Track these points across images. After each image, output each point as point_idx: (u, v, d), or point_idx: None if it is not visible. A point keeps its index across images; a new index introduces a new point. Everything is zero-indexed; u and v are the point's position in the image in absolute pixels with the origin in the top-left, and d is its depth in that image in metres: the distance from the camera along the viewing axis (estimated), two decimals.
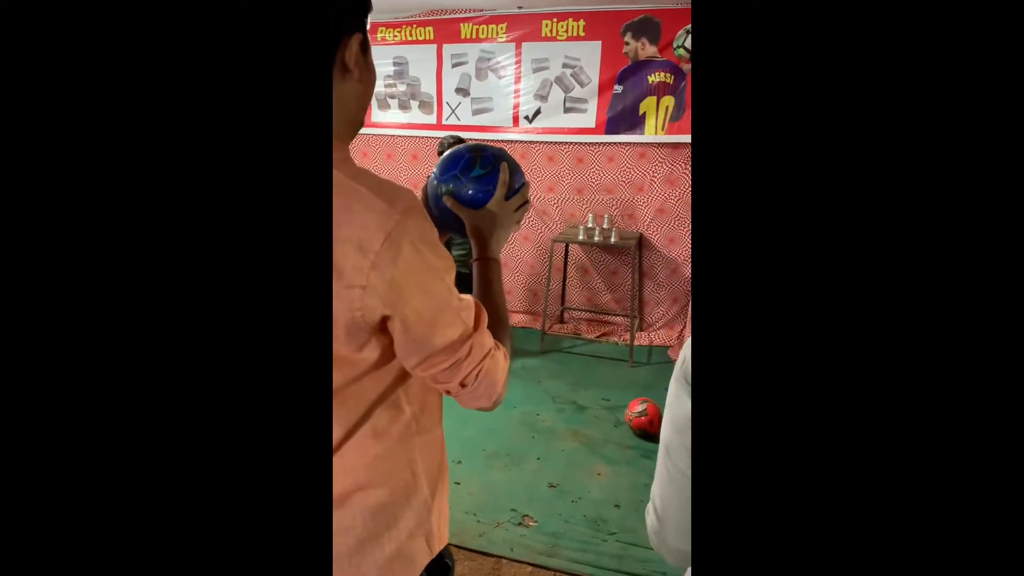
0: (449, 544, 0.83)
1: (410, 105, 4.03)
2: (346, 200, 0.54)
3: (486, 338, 0.63)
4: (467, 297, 0.64)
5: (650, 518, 0.60)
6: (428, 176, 0.85)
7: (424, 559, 0.72)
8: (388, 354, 0.61)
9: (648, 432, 2.57)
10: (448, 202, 0.79)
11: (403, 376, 0.65)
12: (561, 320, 4.06)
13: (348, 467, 0.64)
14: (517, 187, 0.82)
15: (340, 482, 0.65)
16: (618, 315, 3.94)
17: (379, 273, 0.54)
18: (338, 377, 0.60)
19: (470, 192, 0.79)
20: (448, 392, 0.64)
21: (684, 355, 0.56)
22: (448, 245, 0.62)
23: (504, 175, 0.79)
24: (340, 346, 0.57)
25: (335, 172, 0.55)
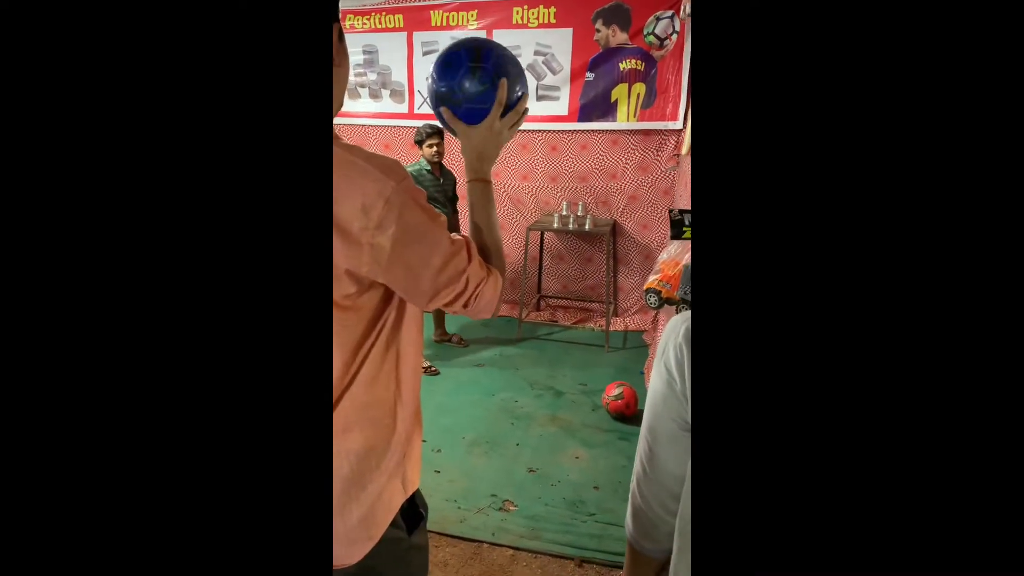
0: (430, 531, 0.86)
1: (381, 94, 3.99)
2: (346, 171, 0.61)
3: (480, 267, 0.72)
4: (459, 237, 0.72)
5: (638, 457, 0.66)
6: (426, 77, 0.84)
7: (400, 500, 0.78)
8: (385, 300, 0.70)
9: (625, 415, 2.61)
10: (445, 114, 0.78)
11: (395, 328, 0.72)
12: (538, 308, 4.09)
13: (342, 411, 0.70)
14: (515, 100, 0.77)
15: (335, 424, 0.70)
16: (594, 301, 3.98)
17: (382, 231, 0.62)
18: (345, 320, 0.67)
19: (464, 108, 0.76)
20: (455, 312, 0.73)
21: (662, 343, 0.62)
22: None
23: (502, 93, 0.75)
24: (344, 293, 0.65)
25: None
